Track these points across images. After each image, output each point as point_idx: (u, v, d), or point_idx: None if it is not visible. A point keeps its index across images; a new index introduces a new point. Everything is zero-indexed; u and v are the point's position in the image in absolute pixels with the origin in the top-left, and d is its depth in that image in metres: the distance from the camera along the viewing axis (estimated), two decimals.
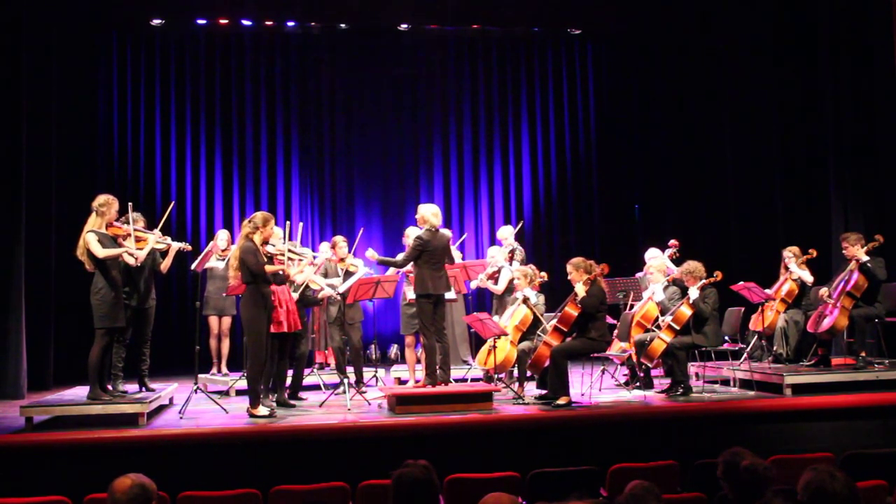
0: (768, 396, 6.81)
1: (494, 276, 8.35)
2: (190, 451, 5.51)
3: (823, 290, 7.47)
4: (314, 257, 7.78)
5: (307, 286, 7.53)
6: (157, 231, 6.91)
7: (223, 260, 8.08)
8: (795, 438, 5.95)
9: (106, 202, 6.37)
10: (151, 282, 7.10)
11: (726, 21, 11.04)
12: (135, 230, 6.63)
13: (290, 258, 6.77)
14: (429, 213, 6.88)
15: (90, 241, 6.19)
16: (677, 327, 6.98)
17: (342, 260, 7.84)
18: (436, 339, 6.84)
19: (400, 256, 7.15)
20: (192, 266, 7.95)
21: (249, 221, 6.41)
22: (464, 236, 10.93)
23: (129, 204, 6.70)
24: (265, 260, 6.35)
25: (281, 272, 6.60)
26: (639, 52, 12.09)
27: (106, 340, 6.26)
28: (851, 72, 9.00)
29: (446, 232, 7.05)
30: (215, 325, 8.48)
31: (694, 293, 6.96)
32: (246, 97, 11.29)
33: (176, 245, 7.18)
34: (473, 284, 8.40)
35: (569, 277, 6.79)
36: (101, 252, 6.18)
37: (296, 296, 7.17)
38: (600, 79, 12.25)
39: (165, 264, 7.22)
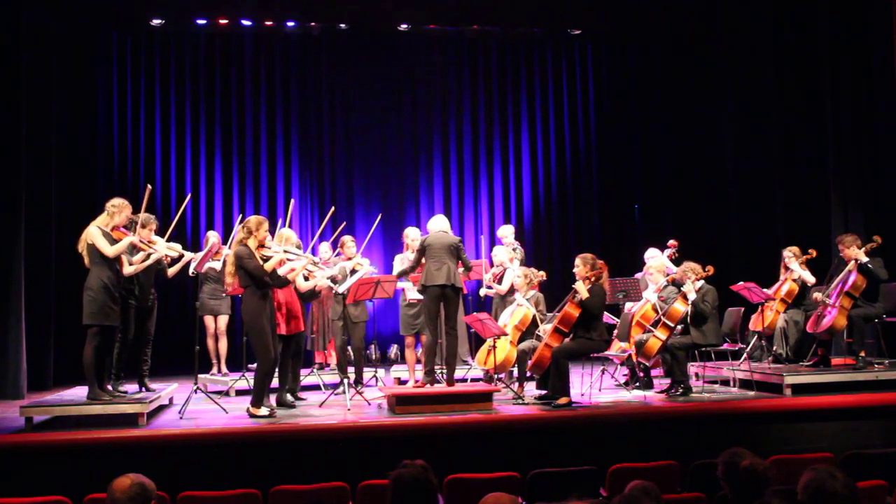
0: (768, 396, 6.81)
1: (498, 277, 8.36)
2: (190, 451, 5.51)
3: (818, 294, 7.46)
4: (316, 260, 7.77)
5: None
6: (163, 240, 6.92)
7: (215, 262, 8.09)
8: (795, 438, 5.95)
9: (119, 205, 6.26)
10: (152, 280, 7.08)
11: (726, 21, 11.04)
12: (140, 241, 6.56)
13: (287, 259, 6.73)
14: (432, 220, 7.31)
15: (95, 235, 6.05)
16: (671, 324, 7.00)
17: (349, 259, 7.89)
18: (440, 335, 6.87)
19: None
20: (192, 267, 7.85)
21: (243, 227, 6.33)
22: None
23: (148, 187, 6.74)
24: (261, 263, 6.31)
25: (284, 274, 6.58)
26: (639, 52, 12.10)
27: (98, 339, 6.10)
28: (851, 72, 9.00)
29: (451, 236, 7.12)
30: (211, 325, 8.49)
31: (690, 293, 6.96)
32: (246, 97, 11.28)
33: (189, 255, 7.24)
34: (482, 292, 8.45)
35: (574, 270, 6.79)
36: (109, 250, 6.05)
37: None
38: (600, 79, 12.24)
39: (173, 271, 7.27)
